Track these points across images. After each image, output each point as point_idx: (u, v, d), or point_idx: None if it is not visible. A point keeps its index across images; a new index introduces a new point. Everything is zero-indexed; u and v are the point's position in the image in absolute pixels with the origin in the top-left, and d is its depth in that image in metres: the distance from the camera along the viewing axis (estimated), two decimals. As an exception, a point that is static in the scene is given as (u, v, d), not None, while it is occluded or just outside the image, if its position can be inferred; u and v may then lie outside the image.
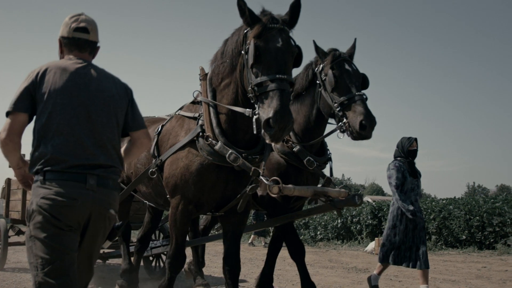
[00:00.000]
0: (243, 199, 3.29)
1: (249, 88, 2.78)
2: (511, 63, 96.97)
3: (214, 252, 11.12)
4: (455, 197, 14.03)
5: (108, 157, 2.40)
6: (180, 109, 3.69)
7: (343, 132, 3.78)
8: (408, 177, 4.98)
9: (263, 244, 14.15)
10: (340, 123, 3.76)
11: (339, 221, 14.46)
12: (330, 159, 4.21)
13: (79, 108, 2.36)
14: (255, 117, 2.73)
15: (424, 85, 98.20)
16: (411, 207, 4.82)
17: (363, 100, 3.73)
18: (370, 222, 13.80)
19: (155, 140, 3.66)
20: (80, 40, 2.50)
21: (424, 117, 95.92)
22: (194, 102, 3.52)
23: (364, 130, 3.62)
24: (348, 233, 14.36)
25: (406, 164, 5.03)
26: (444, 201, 13.22)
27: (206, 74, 3.43)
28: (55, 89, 2.33)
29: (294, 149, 3.90)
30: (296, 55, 2.90)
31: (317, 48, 3.98)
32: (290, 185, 3.20)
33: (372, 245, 11.45)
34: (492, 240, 11.17)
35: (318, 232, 14.87)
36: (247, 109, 2.89)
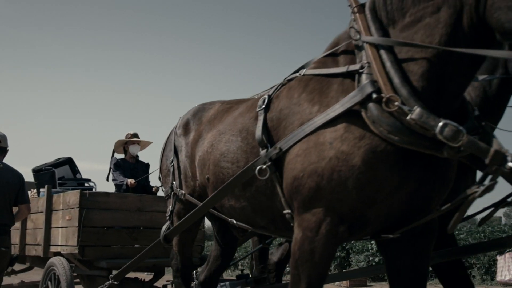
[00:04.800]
0: (462, 209, 1.86)
1: None
2: None
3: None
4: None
5: (2, 218, 4.23)
6: (301, 69, 2.30)
7: None
8: None
9: None
10: None
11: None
12: None
13: None
14: None
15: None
16: None
17: None
18: (338, 254, 13.02)
19: (262, 117, 2.29)
20: None
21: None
22: (334, 54, 2.17)
23: None
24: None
25: None
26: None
27: (363, 5, 2.09)
28: None
29: None
30: None
31: None
32: None
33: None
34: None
35: (286, 265, 13.94)
36: None
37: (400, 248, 2.13)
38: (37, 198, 5.29)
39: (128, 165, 5.84)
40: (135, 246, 4.61)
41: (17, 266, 6.13)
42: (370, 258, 12.27)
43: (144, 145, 5.96)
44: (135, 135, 5.93)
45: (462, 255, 2.79)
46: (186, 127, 3.20)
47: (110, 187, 7.89)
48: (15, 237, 5.47)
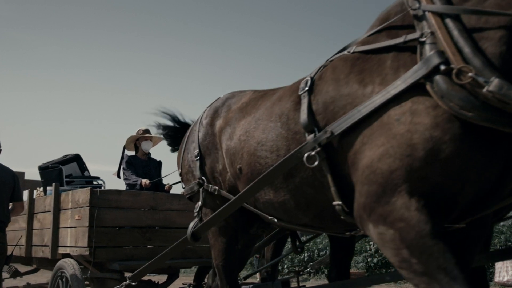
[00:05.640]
0: None
1: None
2: None
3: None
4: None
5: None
6: (343, 50, 2.07)
7: None
8: None
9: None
10: None
11: (306, 254, 13.78)
12: None
13: None
14: None
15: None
16: None
17: None
18: None
19: (306, 100, 2.06)
20: None
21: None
22: (385, 29, 1.93)
23: None
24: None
25: None
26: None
27: None
28: None
29: None
30: None
31: None
32: None
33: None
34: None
35: (285, 266, 13.94)
36: None
37: (451, 241, 1.84)
38: (43, 197, 5.03)
39: (140, 163, 5.57)
40: (148, 247, 4.35)
41: (23, 268, 5.89)
42: (369, 259, 12.19)
43: (156, 141, 5.69)
44: (147, 131, 5.66)
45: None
46: (214, 115, 2.95)
47: (118, 186, 7.63)
48: (21, 238, 5.22)
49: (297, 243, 3.47)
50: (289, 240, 4.12)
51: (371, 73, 1.83)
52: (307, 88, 2.08)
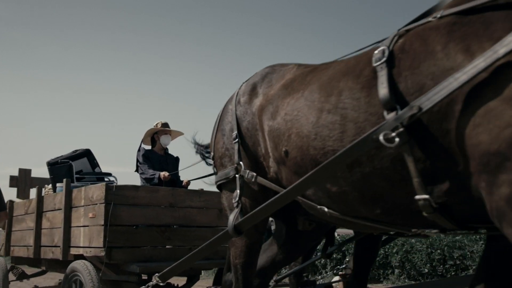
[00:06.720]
0: None
1: None
2: None
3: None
4: (417, 231, 14.51)
5: None
6: (422, 17, 1.75)
7: None
8: None
9: None
10: None
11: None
12: None
13: None
14: None
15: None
16: None
17: None
18: (334, 255, 12.61)
19: (385, 73, 1.69)
20: None
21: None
22: None
23: None
24: (312, 267, 13.13)
25: None
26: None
27: None
28: None
29: None
30: None
31: None
32: None
33: (335, 279, 10.30)
34: (453, 273, 10.90)
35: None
36: None
37: None
38: (53, 194, 4.70)
39: (157, 157, 5.24)
40: (167, 247, 4.03)
41: (30, 270, 5.58)
42: (366, 260, 12.25)
43: (174, 135, 5.37)
44: (166, 125, 5.32)
45: None
46: (252, 92, 2.62)
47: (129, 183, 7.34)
48: (28, 238, 4.91)
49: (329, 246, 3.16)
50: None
51: (478, 38, 1.48)
52: (385, 59, 1.72)
